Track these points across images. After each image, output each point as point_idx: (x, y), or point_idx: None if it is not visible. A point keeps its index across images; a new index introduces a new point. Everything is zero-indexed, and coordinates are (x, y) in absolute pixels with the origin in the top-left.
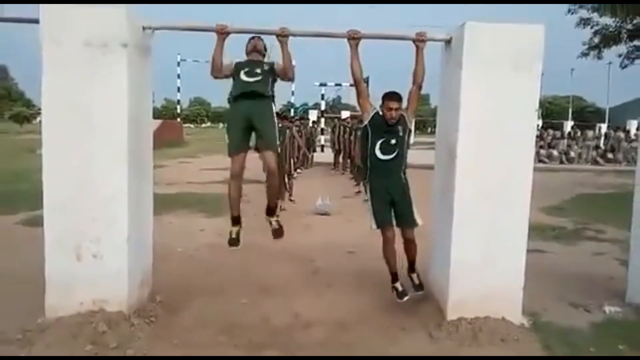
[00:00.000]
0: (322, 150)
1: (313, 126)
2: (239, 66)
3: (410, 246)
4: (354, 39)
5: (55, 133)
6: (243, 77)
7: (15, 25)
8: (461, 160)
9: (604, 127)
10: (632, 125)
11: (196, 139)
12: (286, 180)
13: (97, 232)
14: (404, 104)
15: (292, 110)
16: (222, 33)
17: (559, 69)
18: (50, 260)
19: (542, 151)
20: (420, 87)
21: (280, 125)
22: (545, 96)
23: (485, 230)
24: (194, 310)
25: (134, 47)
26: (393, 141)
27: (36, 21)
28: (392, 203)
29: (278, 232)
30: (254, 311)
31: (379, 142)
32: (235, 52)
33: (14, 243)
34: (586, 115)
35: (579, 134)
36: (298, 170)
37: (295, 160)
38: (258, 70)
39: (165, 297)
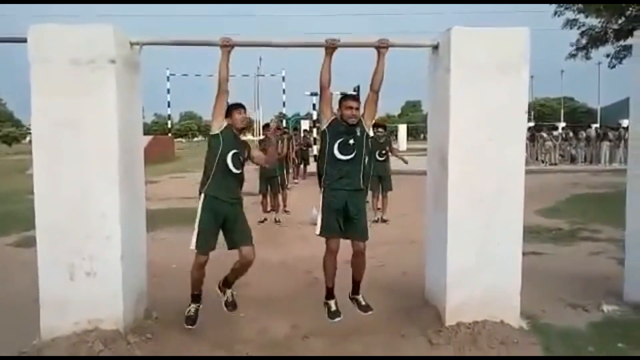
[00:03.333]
0: (315, 160)
1: (306, 136)
2: (225, 137)
3: (360, 260)
4: (331, 47)
5: (45, 151)
6: (230, 164)
7: (1, 45)
8: (453, 165)
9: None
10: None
11: (188, 154)
12: (280, 191)
13: (91, 250)
14: (362, 108)
15: (284, 121)
16: (226, 46)
17: (549, 71)
18: (44, 280)
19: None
20: (377, 93)
21: (272, 137)
22: (536, 98)
23: (480, 234)
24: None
25: (122, 64)
26: (351, 141)
27: (24, 40)
28: (345, 212)
29: (233, 305)
30: (251, 324)
31: (337, 142)
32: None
33: (6, 265)
34: (578, 116)
35: (571, 134)
36: (295, 181)
37: (289, 171)
38: (241, 158)
39: (162, 313)
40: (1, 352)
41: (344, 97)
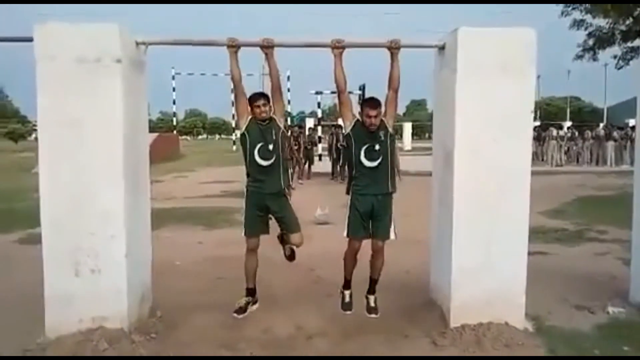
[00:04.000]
0: (320, 159)
1: (311, 134)
2: (250, 131)
3: (378, 257)
4: (337, 47)
5: (51, 149)
6: (257, 158)
7: (10, 43)
8: (458, 165)
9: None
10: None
11: (193, 152)
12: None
13: (96, 248)
14: (382, 109)
15: (289, 119)
16: (232, 46)
17: (556, 70)
18: (48, 277)
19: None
20: (396, 92)
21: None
22: (542, 98)
23: (485, 235)
24: (195, 325)
25: (128, 63)
26: (377, 147)
27: (30, 39)
28: (372, 214)
29: (291, 257)
30: (255, 324)
31: (363, 148)
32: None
33: (11, 262)
34: (584, 116)
35: (576, 134)
36: (300, 182)
37: (294, 170)
38: (270, 147)
39: (166, 312)
40: (5, 350)
41: (364, 102)
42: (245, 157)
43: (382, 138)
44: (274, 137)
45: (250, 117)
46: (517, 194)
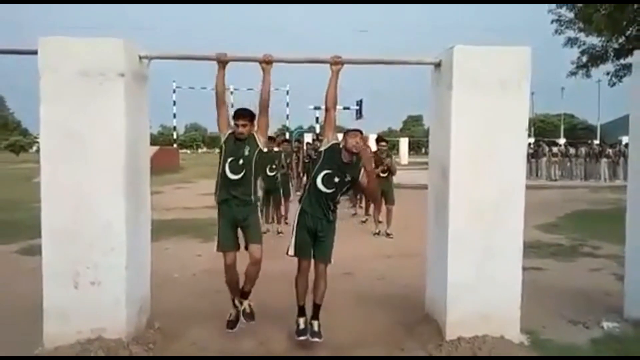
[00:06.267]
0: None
1: (308, 148)
2: (226, 145)
3: (320, 283)
4: (336, 64)
5: (53, 161)
6: (228, 172)
7: (12, 55)
8: (454, 180)
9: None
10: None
11: (192, 165)
12: (282, 202)
13: (96, 259)
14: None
15: (287, 134)
16: (221, 61)
17: (550, 87)
18: (48, 288)
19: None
20: (328, 111)
21: (276, 149)
22: (537, 115)
23: (481, 249)
24: (192, 336)
25: (131, 76)
26: (337, 179)
27: (34, 52)
28: (315, 233)
29: (250, 315)
30: (251, 336)
31: (323, 172)
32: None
33: (11, 272)
34: (578, 133)
35: (571, 151)
36: (297, 193)
37: (292, 183)
38: (241, 162)
39: (164, 323)
40: None
41: (348, 131)
42: (218, 170)
43: (347, 178)
44: (247, 154)
45: (230, 131)
46: (513, 208)
